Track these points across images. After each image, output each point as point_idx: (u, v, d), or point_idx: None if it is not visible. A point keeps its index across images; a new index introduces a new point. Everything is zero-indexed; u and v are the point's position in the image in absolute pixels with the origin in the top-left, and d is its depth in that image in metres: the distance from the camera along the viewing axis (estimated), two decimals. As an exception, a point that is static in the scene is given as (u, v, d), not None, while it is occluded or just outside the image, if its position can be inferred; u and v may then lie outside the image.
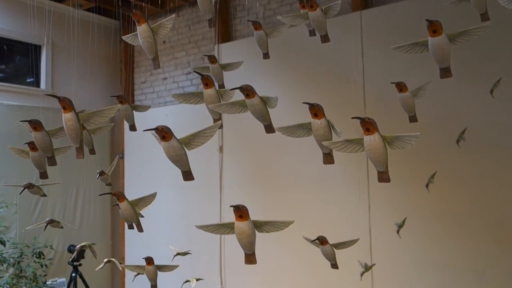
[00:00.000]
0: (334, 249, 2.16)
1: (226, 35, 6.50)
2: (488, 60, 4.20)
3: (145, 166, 7.00)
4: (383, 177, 1.44)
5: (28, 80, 6.78)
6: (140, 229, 1.91)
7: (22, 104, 6.26)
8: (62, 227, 2.73)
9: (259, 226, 1.46)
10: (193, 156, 6.17)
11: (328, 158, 1.60)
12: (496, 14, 2.08)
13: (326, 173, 5.24)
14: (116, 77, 7.52)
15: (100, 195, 1.96)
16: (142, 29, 1.59)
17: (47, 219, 2.67)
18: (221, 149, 6.18)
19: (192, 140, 1.44)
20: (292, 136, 1.61)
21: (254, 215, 5.62)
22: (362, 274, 3.15)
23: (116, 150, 7.40)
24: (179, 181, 6.30)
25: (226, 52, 6.27)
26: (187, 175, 1.49)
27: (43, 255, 5.98)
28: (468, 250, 4.35)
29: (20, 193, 2.53)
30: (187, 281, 3.41)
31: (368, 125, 1.36)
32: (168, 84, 7.16)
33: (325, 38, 2.05)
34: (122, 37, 1.80)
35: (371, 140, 1.37)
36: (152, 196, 1.87)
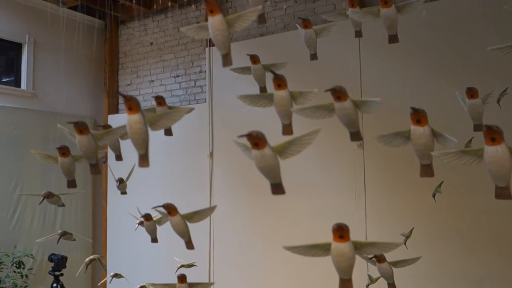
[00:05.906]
0: (393, 268, 2.00)
1: (218, 37, 6.29)
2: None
3: (129, 170, 6.69)
4: (504, 193, 1.25)
5: (6, 79, 6.44)
6: (191, 247, 1.69)
7: (2, 104, 5.92)
8: (74, 240, 2.49)
9: (359, 248, 1.26)
10: (182, 162, 5.86)
11: (427, 170, 1.40)
12: None
13: (322, 181, 5.11)
14: (100, 78, 7.23)
15: (153, 208, 1.73)
16: (216, 20, 1.38)
17: (59, 231, 2.43)
18: (211, 155, 5.98)
19: (287, 148, 1.24)
20: (389, 146, 1.42)
21: (245, 223, 5.38)
22: (367, 286, 3.01)
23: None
24: (167, 187, 6.00)
25: (218, 55, 6.05)
26: (277, 188, 1.29)
27: (23, 264, 5.62)
28: (466, 259, 4.36)
29: (40, 203, 2.28)
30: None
31: (495, 134, 1.18)
32: (155, 87, 6.91)
33: (394, 38, 1.88)
34: (180, 28, 1.58)
35: (497, 152, 1.19)
36: (211, 209, 1.66)
